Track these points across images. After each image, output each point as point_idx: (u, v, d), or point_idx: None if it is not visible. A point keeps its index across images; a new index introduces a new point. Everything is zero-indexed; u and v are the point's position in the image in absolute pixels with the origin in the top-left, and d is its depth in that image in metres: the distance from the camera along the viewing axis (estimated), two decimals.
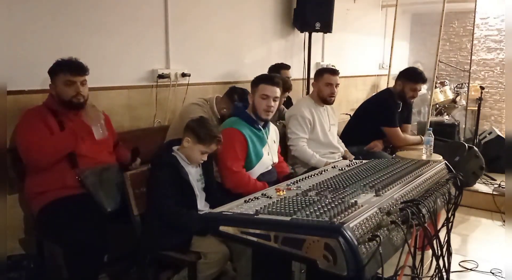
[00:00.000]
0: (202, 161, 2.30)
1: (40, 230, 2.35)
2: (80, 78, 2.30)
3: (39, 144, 2.17)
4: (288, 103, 4.04)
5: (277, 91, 2.59)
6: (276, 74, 2.74)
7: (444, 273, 1.98)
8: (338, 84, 3.32)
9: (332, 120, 3.42)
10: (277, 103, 2.64)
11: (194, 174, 2.31)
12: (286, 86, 3.26)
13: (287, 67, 4.11)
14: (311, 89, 3.50)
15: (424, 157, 3.27)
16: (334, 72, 3.30)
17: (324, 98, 3.29)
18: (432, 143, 3.33)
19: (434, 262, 1.89)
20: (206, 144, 2.24)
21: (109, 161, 2.44)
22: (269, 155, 2.70)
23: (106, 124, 2.43)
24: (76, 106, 2.31)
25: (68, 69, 2.26)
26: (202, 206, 2.32)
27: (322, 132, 3.29)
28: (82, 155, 2.31)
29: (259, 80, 2.63)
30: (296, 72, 4.82)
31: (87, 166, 2.30)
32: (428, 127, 3.55)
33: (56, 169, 2.25)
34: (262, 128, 2.67)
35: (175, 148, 2.30)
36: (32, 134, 2.20)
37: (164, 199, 2.16)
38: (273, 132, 2.83)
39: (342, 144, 3.54)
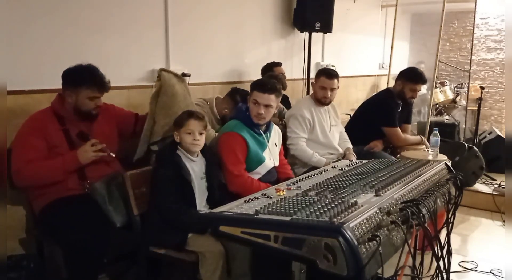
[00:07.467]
0: (198, 143, 2.28)
1: (40, 230, 2.35)
2: (102, 94, 2.39)
3: (28, 168, 2.16)
4: (285, 102, 4.03)
5: (270, 99, 2.51)
6: (272, 81, 2.63)
7: (444, 273, 1.97)
8: (335, 88, 3.24)
9: (333, 121, 3.41)
10: (271, 109, 2.57)
11: (198, 172, 2.31)
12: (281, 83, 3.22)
13: (278, 64, 4.08)
14: (311, 89, 3.49)
15: (430, 157, 3.26)
16: (330, 76, 3.21)
17: (318, 99, 3.27)
18: (439, 143, 3.32)
19: (434, 262, 1.89)
20: (185, 124, 2.25)
21: (114, 168, 2.44)
22: (271, 160, 2.69)
23: (114, 116, 2.57)
24: (92, 117, 2.38)
25: (96, 86, 2.31)
26: (202, 206, 2.31)
27: (322, 133, 3.27)
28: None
29: (253, 86, 2.60)
30: (296, 72, 4.82)
31: (94, 174, 2.31)
32: (434, 128, 3.53)
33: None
34: (263, 133, 2.64)
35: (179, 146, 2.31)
36: (27, 153, 2.18)
37: (165, 196, 2.17)
38: (275, 135, 2.79)
39: (348, 141, 3.49)
